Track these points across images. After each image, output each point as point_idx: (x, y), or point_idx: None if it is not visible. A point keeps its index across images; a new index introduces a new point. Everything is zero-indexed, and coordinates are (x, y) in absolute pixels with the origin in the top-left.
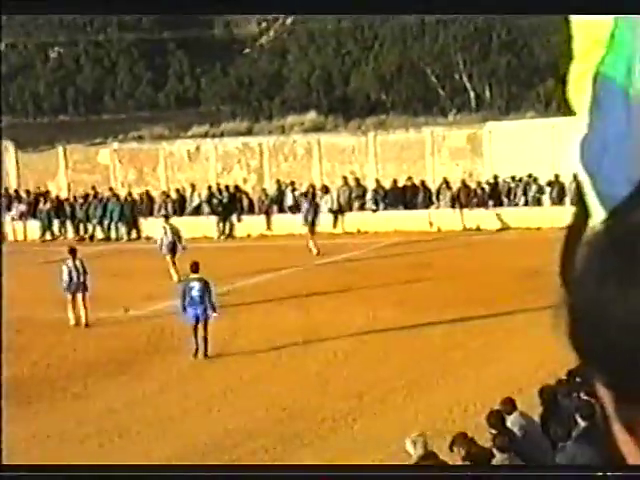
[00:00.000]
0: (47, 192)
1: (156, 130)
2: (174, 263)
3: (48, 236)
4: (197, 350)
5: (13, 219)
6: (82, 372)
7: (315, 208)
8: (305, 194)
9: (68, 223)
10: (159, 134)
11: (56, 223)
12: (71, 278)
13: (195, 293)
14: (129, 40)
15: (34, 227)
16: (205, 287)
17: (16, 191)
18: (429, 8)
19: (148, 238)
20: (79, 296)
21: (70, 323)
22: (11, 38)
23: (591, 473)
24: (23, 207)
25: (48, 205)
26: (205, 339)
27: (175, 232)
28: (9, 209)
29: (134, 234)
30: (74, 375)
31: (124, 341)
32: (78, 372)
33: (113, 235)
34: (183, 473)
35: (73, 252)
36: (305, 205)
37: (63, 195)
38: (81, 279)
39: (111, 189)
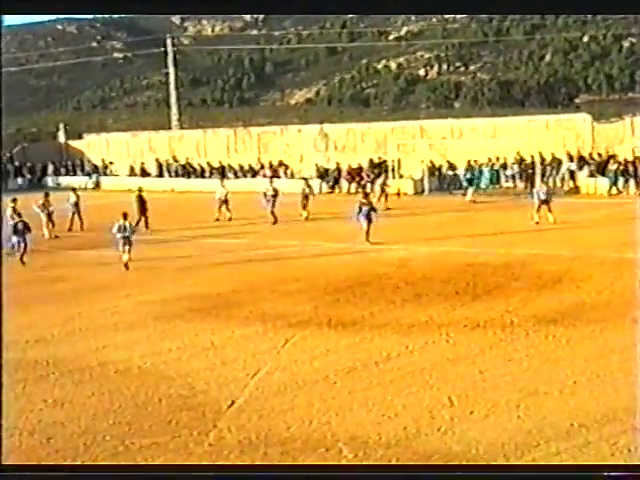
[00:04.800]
0: (615, 155)
1: None
2: None
3: (614, 191)
4: None
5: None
6: (639, 301)
7: None
8: None
9: (631, 181)
10: None
11: (621, 181)
12: None
13: None
14: None
15: (603, 183)
16: None
17: (590, 154)
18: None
19: None
20: None
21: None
22: (592, 31)
23: (591, 473)
24: (593, 167)
25: (615, 166)
26: None
27: None
28: (581, 168)
29: None
30: (631, 303)
31: None
32: (636, 301)
33: None
34: (183, 473)
35: None
36: None
37: (629, 158)
38: None
39: None
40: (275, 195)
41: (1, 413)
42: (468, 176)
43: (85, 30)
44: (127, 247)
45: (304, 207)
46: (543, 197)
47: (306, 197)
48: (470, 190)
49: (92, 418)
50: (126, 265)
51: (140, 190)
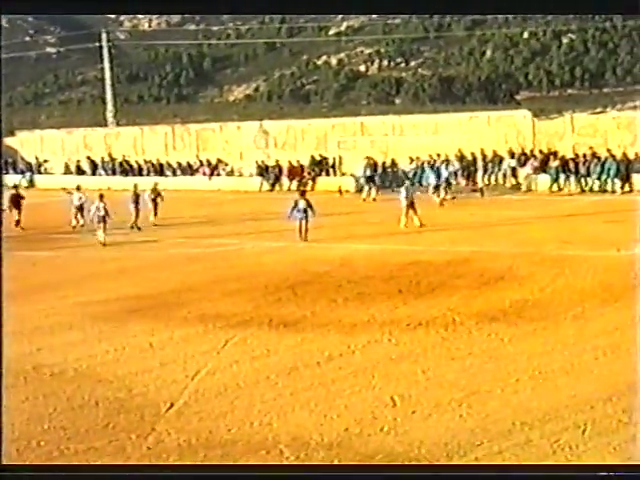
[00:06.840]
0: (556, 152)
1: None
2: None
3: (555, 188)
4: None
5: (528, 174)
6: (580, 298)
7: None
8: None
9: (572, 178)
10: None
11: (562, 177)
12: None
13: None
14: (631, 26)
15: (544, 180)
16: None
17: (531, 151)
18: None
19: None
20: None
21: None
22: (532, 28)
23: (593, 473)
24: (536, 163)
25: (557, 162)
26: None
27: None
28: (524, 165)
29: (627, 188)
30: (573, 300)
31: (617, 275)
32: (578, 298)
33: (609, 188)
34: (182, 473)
35: None
36: None
37: (568, 155)
38: None
39: (608, 150)
40: (137, 200)
41: (1, 413)
42: (368, 173)
43: (17, 24)
44: (103, 226)
45: (154, 214)
46: (406, 200)
47: (154, 201)
48: (366, 188)
49: (26, 423)
50: (104, 244)
51: (16, 187)
